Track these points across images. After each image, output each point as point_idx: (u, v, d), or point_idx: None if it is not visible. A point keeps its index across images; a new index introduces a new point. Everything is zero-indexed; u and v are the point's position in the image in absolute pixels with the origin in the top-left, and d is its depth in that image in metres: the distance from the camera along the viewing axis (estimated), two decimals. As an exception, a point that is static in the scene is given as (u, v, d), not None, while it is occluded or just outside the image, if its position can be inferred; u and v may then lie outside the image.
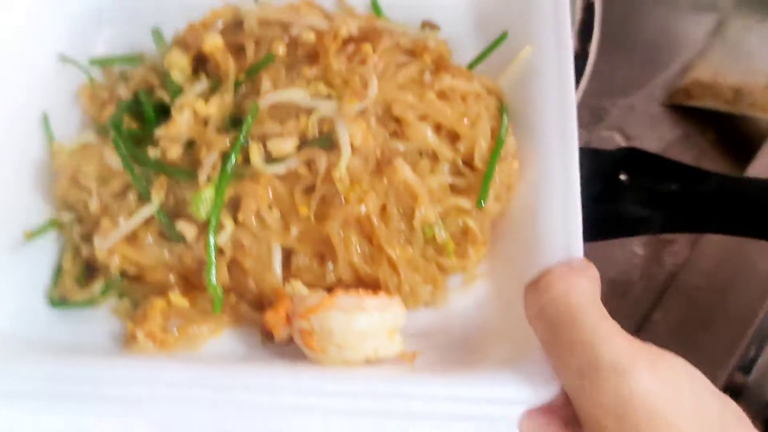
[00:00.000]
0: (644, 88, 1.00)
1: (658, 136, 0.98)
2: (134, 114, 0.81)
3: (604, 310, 0.61)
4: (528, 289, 0.65)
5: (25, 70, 0.84)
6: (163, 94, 0.80)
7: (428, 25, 0.90)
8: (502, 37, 0.86)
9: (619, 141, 0.96)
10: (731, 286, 0.88)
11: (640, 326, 0.60)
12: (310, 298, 0.69)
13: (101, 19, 0.91)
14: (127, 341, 0.72)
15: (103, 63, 0.89)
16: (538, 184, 0.75)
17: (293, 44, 0.80)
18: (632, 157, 0.89)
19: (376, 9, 0.93)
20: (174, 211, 0.74)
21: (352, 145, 0.72)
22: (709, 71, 0.98)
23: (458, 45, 0.88)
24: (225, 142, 0.74)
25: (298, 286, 0.70)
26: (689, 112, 0.98)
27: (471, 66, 0.86)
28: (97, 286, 0.75)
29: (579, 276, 0.64)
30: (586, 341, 0.58)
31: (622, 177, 0.86)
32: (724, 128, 0.97)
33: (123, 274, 0.76)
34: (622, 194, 0.85)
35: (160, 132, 0.75)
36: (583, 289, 0.62)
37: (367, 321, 0.67)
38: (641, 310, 0.86)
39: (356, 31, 0.81)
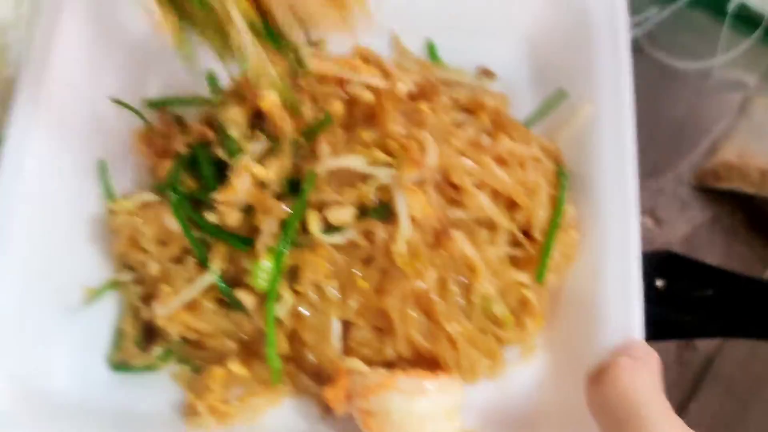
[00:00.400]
0: (673, 170, 1.00)
1: (687, 219, 0.98)
2: (191, 169, 0.80)
3: (667, 402, 0.62)
4: (591, 381, 0.66)
5: (79, 118, 0.84)
6: (220, 152, 0.79)
7: (485, 73, 0.89)
8: (560, 97, 0.84)
9: (650, 225, 0.97)
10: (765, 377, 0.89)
11: (679, 414, 0.62)
12: (370, 377, 0.69)
13: (150, 60, 0.90)
14: (187, 413, 0.73)
15: (157, 105, 0.89)
16: (596, 256, 0.75)
17: (350, 103, 0.79)
18: (668, 262, 0.89)
19: (432, 53, 0.91)
20: (233, 279, 0.75)
21: (411, 218, 0.72)
22: (736, 152, 0.97)
23: (514, 93, 0.87)
24: (283, 209, 0.74)
25: (357, 364, 0.71)
26: (718, 193, 0.98)
27: (528, 124, 0.84)
28: (157, 351, 0.76)
29: (642, 369, 0.64)
30: None
31: (659, 283, 0.86)
32: (754, 209, 0.97)
33: (183, 339, 0.76)
34: (658, 299, 0.85)
35: (218, 196, 0.75)
36: (646, 383, 0.63)
37: (428, 404, 0.68)
38: (677, 397, 0.87)
39: (414, 86, 0.80)
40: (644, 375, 0.63)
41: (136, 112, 0.86)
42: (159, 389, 0.76)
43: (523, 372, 0.76)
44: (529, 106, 0.87)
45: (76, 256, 0.80)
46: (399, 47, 0.92)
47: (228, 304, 0.75)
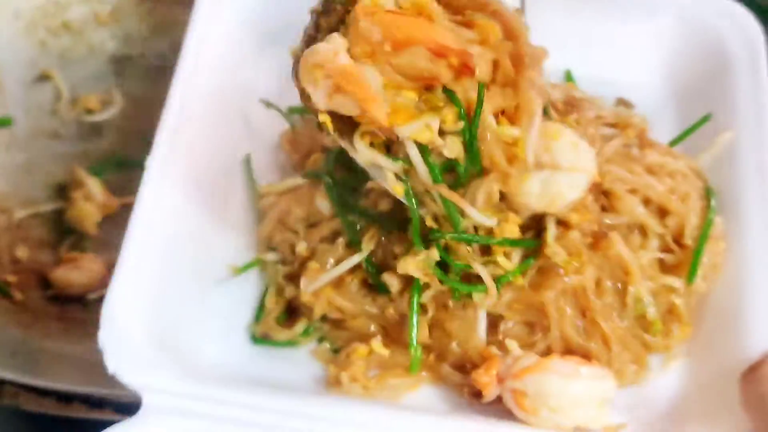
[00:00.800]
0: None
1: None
2: (342, 163, 0.82)
3: None
4: (746, 377, 0.65)
5: (234, 117, 0.87)
6: None
7: (623, 103, 0.91)
8: (705, 119, 0.86)
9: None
10: None
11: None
12: (526, 359, 0.69)
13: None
14: (330, 383, 0.73)
15: (302, 111, 0.91)
16: (742, 267, 0.76)
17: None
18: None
19: (569, 80, 0.94)
20: (381, 263, 0.75)
21: (569, 222, 0.73)
22: None
23: (652, 124, 0.89)
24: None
25: (512, 346, 0.70)
26: None
27: (672, 144, 0.86)
28: (299, 327, 0.76)
29: None
30: None
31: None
32: None
33: (324, 318, 0.77)
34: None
35: (371, 185, 0.77)
36: None
37: (582, 388, 0.68)
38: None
39: (561, 99, 0.83)
40: None
41: (283, 114, 0.90)
42: (300, 364, 0.76)
43: (666, 377, 0.75)
44: (666, 135, 0.89)
45: (226, 239, 0.81)
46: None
47: (373, 287, 0.76)
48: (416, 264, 0.71)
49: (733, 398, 0.68)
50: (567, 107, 0.82)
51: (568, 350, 0.72)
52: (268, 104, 0.89)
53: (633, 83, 0.93)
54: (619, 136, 0.81)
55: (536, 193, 0.69)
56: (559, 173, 0.69)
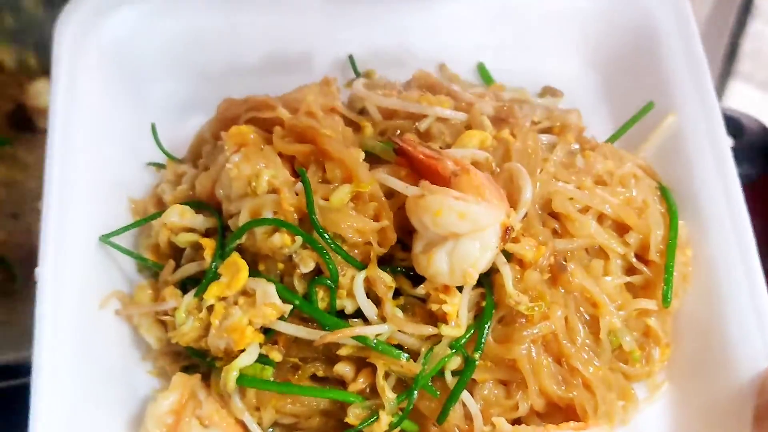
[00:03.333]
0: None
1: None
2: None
3: None
4: (760, 422, 0.60)
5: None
6: None
7: (550, 92, 0.83)
8: (647, 108, 0.79)
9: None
10: None
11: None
12: (520, 436, 0.62)
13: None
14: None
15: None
16: (715, 274, 0.70)
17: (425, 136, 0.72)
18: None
19: (484, 75, 0.85)
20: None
21: (523, 259, 0.65)
22: None
23: (583, 111, 0.80)
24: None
25: (500, 422, 0.63)
26: None
27: (611, 140, 0.79)
28: None
29: None
30: None
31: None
32: None
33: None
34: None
35: None
36: None
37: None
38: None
39: (492, 112, 0.74)
40: None
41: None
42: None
43: (653, 409, 0.69)
44: (599, 122, 0.82)
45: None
46: (447, 74, 0.85)
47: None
48: None
49: (729, 428, 0.64)
50: (499, 120, 0.74)
51: (551, 405, 0.65)
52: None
53: (555, 69, 0.85)
54: (559, 143, 0.73)
55: (445, 269, 0.62)
56: (462, 240, 0.62)
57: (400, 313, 0.63)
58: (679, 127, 0.76)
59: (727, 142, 0.73)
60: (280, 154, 0.67)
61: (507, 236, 0.62)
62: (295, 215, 0.64)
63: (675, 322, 0.71)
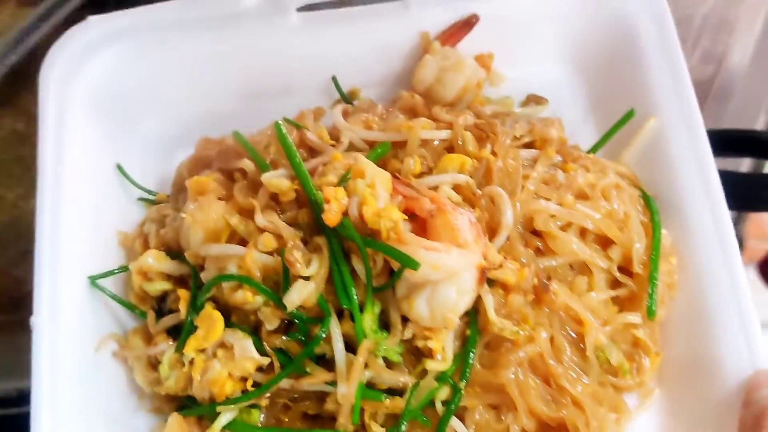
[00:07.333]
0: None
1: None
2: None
3: None
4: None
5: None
6: None
7: (534, 99, 0.83)
8: (628, 115, 0.79)
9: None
10: None
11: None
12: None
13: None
14: None
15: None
16: (700, 281, 0.70)
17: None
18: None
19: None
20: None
21: (506, 284, 0.66)
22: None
23: (567, 119, 0.81)
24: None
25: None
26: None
27: (594, 150, 0.79)
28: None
29: None
30: None
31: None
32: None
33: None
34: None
35: None
36: None
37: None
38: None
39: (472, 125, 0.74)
40: None
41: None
42: None
43: (644, 418, 0.71)
44: (584, 128, 0.82)
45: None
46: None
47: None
48: None
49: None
50: (479, 137, 0.74)
51: (541, 424, 0.66)
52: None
53: (540, 76, 0.84)
54: (540, 158, 0.74)
55: (426, 314, 0.63)
56: (439, 286, 0.63)
57: (380, 361, 0.64)
58: (661, 132, 0.76)
59: (708, 145, 0.73)
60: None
61: (483, 277, 0.63)
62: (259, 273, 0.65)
63: (663, 330, 0.72)
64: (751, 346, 0.66)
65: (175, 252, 0.72)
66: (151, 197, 0.80)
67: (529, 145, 0.76)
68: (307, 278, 0.64)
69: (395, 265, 0.63)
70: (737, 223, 1.37)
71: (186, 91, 0.82)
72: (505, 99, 0.83)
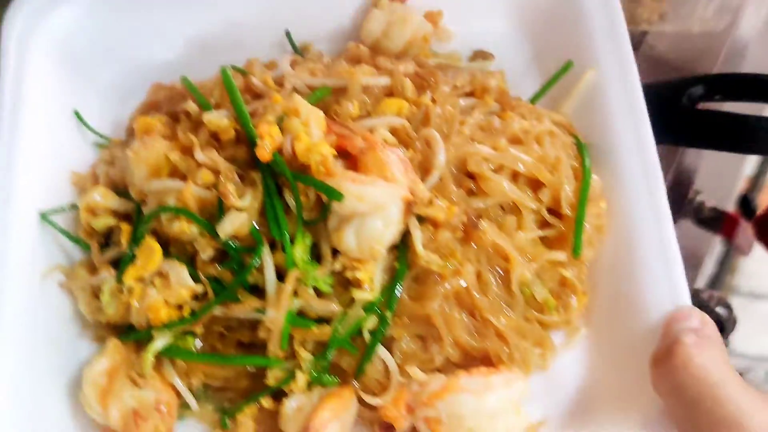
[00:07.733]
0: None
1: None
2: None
3: (739, 376, 0.59)
4: (657, 363, 0.63)
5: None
6: None
7: (481, 55, 0.86)
8: (566, 67, 0.81)
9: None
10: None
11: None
12: (432, 383, 0.66)
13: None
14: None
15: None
16: (628, 224, 0.72)
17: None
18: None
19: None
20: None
21: (436, 220, 0.69)
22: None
23: (512, 72, 0.84)
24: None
25: (414, 371, 0.67)
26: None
27: (534, 100, 0.81)
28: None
29: (710, 346, 0.61)
30: (730, 418, 0.56)
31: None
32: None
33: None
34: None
35: None
36: (717, 360, 0.60)
37: (496, 399, 0.65)
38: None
39: (413, 73, 0.77)
40: (714, 352, 0.60)
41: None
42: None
43: (571, 355, 0.73)
44: (526, 80, 0.84)
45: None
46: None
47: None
48: None
49: (639, 371, 0.66)
50: (420, 85, 0.77)
51: (466, 356, 0.69)
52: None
53: (484, 31, 0.86)
54: (477, 106, 0.77)
55: (354, 246, 0.66)
56: (366, 218, 0.65)
57: (311, 290, 0.67)
58: (598, 83, 0.78)
59: (642, 99, 0.76)
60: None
61: (410, 210, 0.66)
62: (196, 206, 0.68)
63: (592, 272, 0.74)
64: (673, 284, 0.68)
65: (121, 190, 0.75)
66: (107, 142, 0.83)
67: (470, 95, 0.79)
68: (240, 210, 0.67)
69: (326, 199, 0.66)
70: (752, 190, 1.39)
71: (143, 43, 0.85)
72: (453, 53, 0.86)
